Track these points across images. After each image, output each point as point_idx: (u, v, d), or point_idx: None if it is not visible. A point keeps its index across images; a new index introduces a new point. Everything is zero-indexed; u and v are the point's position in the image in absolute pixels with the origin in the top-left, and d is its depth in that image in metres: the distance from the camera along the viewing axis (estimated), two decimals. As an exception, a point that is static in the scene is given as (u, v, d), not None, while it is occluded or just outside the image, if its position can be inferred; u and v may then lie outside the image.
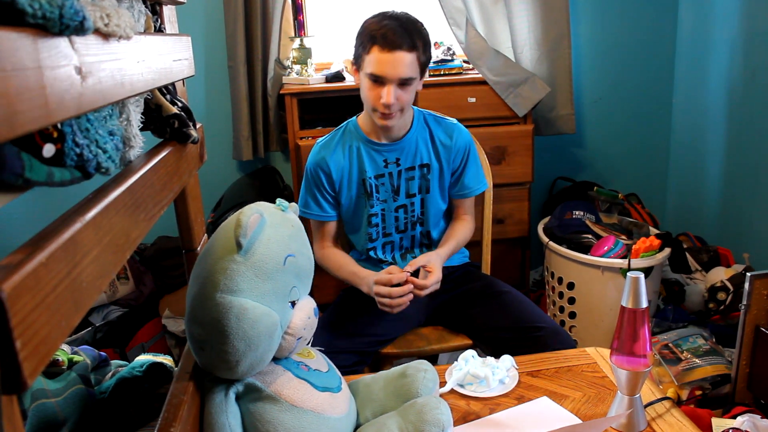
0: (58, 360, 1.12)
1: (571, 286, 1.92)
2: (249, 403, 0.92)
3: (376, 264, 1.65)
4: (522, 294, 1.59)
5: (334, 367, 1.07)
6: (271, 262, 0.89)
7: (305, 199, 1.62)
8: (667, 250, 1.85)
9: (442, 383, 1.20)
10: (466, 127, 1.89)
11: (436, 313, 1.65)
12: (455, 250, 1.59)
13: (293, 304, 0.94)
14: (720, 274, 2.02)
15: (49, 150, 0.49)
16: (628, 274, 0.97)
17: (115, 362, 1.27)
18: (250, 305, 0.86)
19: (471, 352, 1.26)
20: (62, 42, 0.48)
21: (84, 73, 0.52)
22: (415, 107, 1.60)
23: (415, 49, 1.42)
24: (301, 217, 1.05)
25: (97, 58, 0.56)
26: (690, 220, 2.70)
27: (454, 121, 1.63)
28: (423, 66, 1.47)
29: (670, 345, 1.72)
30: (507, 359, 1.26)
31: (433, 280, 1.43)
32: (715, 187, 2.51)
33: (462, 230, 1.64)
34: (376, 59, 1.42)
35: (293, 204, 1.05)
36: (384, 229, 1.63)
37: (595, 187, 2.32)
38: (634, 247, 1.77)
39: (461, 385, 1.20)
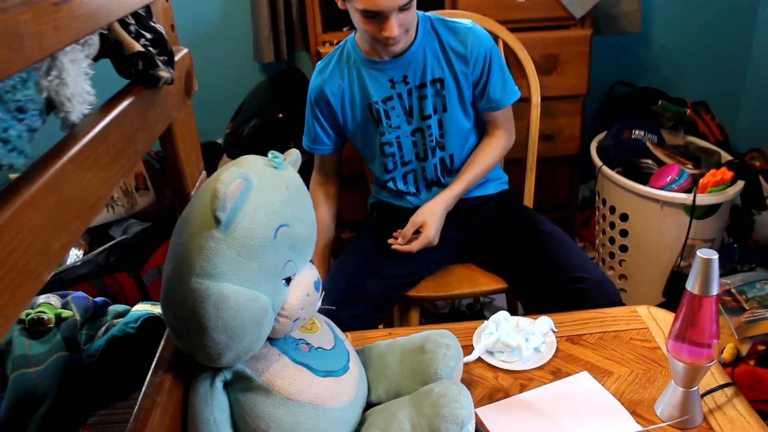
0: (43, 318, 1.04)
1: (624, 217, 1.74)
2: (238, 392, 0.81)
3: (400, 196, 1.50)
4: (565, 234, 1.42)
5: (343, 338, 0.96)
6: (257, 237, 0.75)
7: (308, 130, 1.51)
8: (739, 184, 1.63)
9: (470, 348, 1.08)
10: (513, 31, 1.66)
11: (468, 249, 1.51)
12: (475, 180, 1.45)
13: (288, 280, 0.81)
14: (799, 205, 1.79)
15: None
16: (698, 253, 0.79)
17: (112, 309, 1.19)
18: (232, 291, 0.73)
19: (503, 314, 1.13)
20: None
21: None
22: (418, 11, 1.37)
23: None
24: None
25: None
26: (765, 136, 2.42)
27: (468, 23, 1.40)
28: None
29: (733, 291, 1.55)
30: (545, 321, 1.13)
31: (417, 246, 1.37)
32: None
33: (488, 153, 1.46)
34: None
35: (292, 152, 0.90)
36: (402, 157, 1.46)
37: (660, 101, 2.06)
38: (701, 180, 1.56)
39: (490, 353, 1.08)
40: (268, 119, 2.02)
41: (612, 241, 1.82)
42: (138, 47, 0.75)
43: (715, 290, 0.81)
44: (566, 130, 1.97)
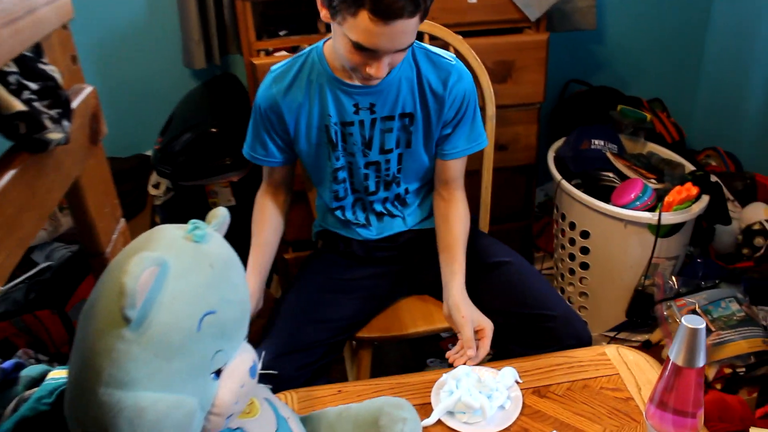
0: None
1: (585, 234, 1.69)
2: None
3: (348, 226, 1.40)
4: (527, 264, 1.35)
5: (287, 415, 0.86)
6: (177, 332, 0.64)
7: (251, 139, 1.34)
8: (704, 199, 1.59)
9: (428, 408, 1.00)
10: (464, 35, 1.56)
11: (420, 281, 1.43)
12: (464, 263, 1.29)
13: (218, 372, 0.70)
14: (759, 213, 1.78)
15: None
16: (683, 321, 0.73)
17: (25, 375, 1.04)
18: (150, 402, 0.62)
19: (463, 369, 1.05)
20: None
21: None
22: None
23: (418, 9, 1.05)
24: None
25: None
26: (722, 133, 2.42)
27: (452, 59, 1.28)
28: (424, 16, 1.11)
29: (698, 311, 1.52)
30: (509, 373, 1.06)
31: (483, 354, 1.15)
32: (758, 98, 2.21)
33: (461, 223, 1.32)
34: (365, 28, 1.04)
35: (217, 213, 0.78)
36: (353, 185, 1.36)
37: (619, 106, 2.02)
38: (667, 198, 1.51)
39: (451, 413, 1.00)
40: (201, 133, 1.88)
41: (572, 257, 1.77)
42: (18, 106, 0.63)
43: (701, 362, 0.74)
44: (522, 139, 1.90)
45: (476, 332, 1.16)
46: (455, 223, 1.32)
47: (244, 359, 0.74)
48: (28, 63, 0.68)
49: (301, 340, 1.22)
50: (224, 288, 0.70)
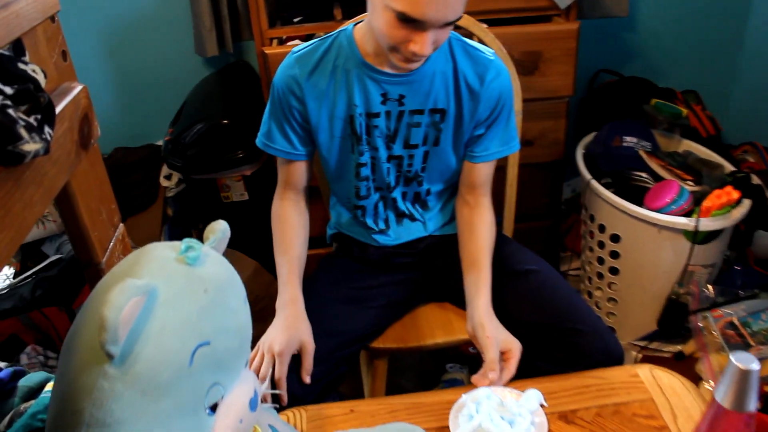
0: None
1: (615, 238, 1.60)
2: None
3: (364, 230, 1.33)
4: (555, 273, 1.28)
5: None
6: (167, 369, 0.58)
7: (269, 125, 1.25)
8: (745, 204, 1.50)
9: (446, 431, 0.94)
10: (489, 24, 1.48)
11: (440, 288, 1.36)
12: (490, 276, 1.20)
13: (214, 407, 0.64)
14: (801, 216, 1.68)
15: None
16: (733, 359, 0.65)
17: (23, 385, 0.99)
18: (135, 446, 0.56)
19: (485, 391, 0.98)
20: None
21: None
22: None
23: None
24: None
25: None
26: (761, 128, 2.31)
27: (491, 54, 1.19)
28: None
29: (736, 323, 1.43)
30: (533, 396, 0.99)
31: (507, 377, 1.06)
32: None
33: (487, 232, 1.25)
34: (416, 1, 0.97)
35: (215, 228, 0.72)
36: (375, 182, 1.28)
37: (653, 100, 1.92)
38: (705, 203, 1.42)
39: None
40: (213, 125, 1.82)
41: (601, 261, 1.68)
42: (-10, 115, 0.57)
43: (752, 405, 0.66)
44: (549, 134, 1.81)
45: (502, 353, 1.09)
46: (481, 232, 1.24)
47: (243, 391, 0.68)
48: (4, 63, 0.62)
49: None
50: (220, 315, 0.64)
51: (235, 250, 2.25)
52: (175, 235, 2.27)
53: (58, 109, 0.72)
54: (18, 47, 0.68)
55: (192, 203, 2.22)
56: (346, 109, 1.19)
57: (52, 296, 1.72)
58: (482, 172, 1.26)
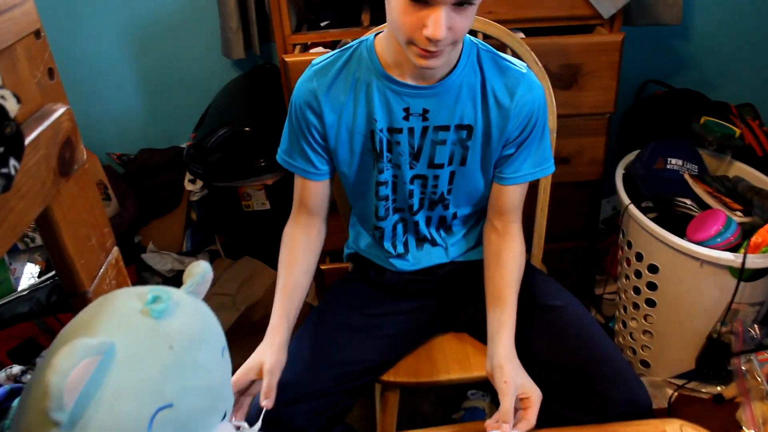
0: None
1: (653, 268, 1.50)
2: None
3: (381, 253, 1.26)
4: (582, 310, 1.19)
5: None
6: (121, 436, 0.53)
7: (288, 142, 1.20)
8: (800, 240, 1.38)
9: None
10: (527, 32, 1.39)
11: (459, 317, 1.28)
12: (515, 312, 1.11)
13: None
14: None
15: None
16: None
17: (17, 406, 0.97)
18: None
19: None
20: None
21: None
22: (467, 36, 1.10)
23: None
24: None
25: None
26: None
27: (523, 68, 1.11)
28: None
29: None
30: None
31: (525, 428, 0.96)
32: None
33: (515, 264, 1.16)
34: None
35: (194, 270, 0.67)
36: (395, 203, 1.21)
37: (703, 118, 1.80)
38: (754, 238, 1.31)
39: None
40: (235, 132, 1.78)
41: (637, 290, 1.58)
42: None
43: None
44: (587, 152, 1.72)
45: (521, 400, 1.01)
46: (508, 264, 1.16)
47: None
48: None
49: (316, 386, 1.11)
50: (187, 374, 0.58)
51: (255, 259, 2.22)
52: (197, 240, 2.25)
53: (32, 136, 0.67)
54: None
55: (214, 209, 2.20)
56: (366, 124, 1.13)
57: (66, 303, 1.71)
58: (512, 195, 1.18)
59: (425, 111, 1.11)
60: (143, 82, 2.22)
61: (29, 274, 1.94)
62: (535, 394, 1.00)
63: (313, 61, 1.16)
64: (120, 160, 2.30)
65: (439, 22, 0.94)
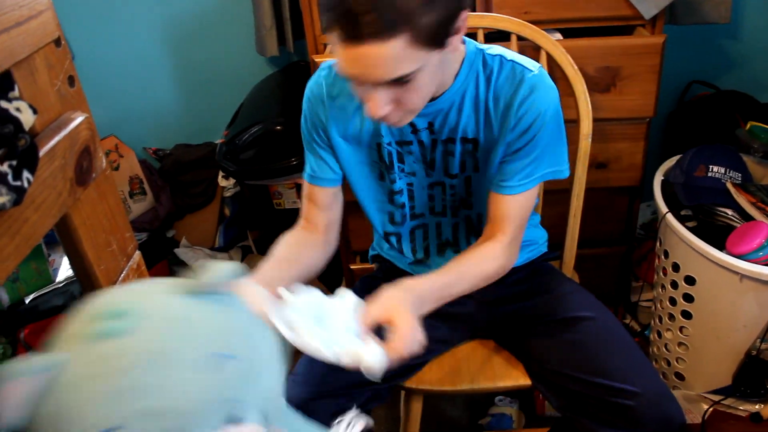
0: None
1: (690, 280, 1.45)
2: None
3: (398, 256, 1.25)
4: (613, 321, 1.16)
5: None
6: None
7: (312, 159, 1.18)
8: None
9: None
10: (565, 33, 1.35)
11: (488, 324, 1.26)
12: (452, 284, 1.06)
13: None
14: None
15: None
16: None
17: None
18: None
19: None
20: None
21: None
22: (469, 40, 1.07)
23: (394, 32, 0.82)
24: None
25: None
26: None
27: (534, 68, 1.04)
28: (434, 37, 0.87)
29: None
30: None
31: (401, 349, 0.88)
32: None
33: (479, 262, 1.08)
34: (339, 52, 0.88)
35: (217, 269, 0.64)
36: (413, 208, 1.20)
37: (749, 123, 1.72)
38: (797, 254, 1.26)
39: None
40: (267, 131, 1.78)
41: (673, 301, 1.53)
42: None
43: None
44: (625, 157, 1.67)
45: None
46: (467, 261, 1.08)
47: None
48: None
49: (338, 383, 1.10)
50: (148, 395, 0.54)
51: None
52: (230, 236, 2.27)
53: (49, 146, 0.68)
54: (6, 81, 0.64)
55: (247, 206, 2.21)
56: (372, 137, 1.12)
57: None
58: (505, 204, 1.09)
59: (430, 124, 1.09)
60: (179, 78, 2.24)
61: (67, 266, 1.98)
62: (402, 321, 0.89)
63: (322, 65, 1.14)
64: (156, 155, 2.33)
65: (376, 103, 0.91)
